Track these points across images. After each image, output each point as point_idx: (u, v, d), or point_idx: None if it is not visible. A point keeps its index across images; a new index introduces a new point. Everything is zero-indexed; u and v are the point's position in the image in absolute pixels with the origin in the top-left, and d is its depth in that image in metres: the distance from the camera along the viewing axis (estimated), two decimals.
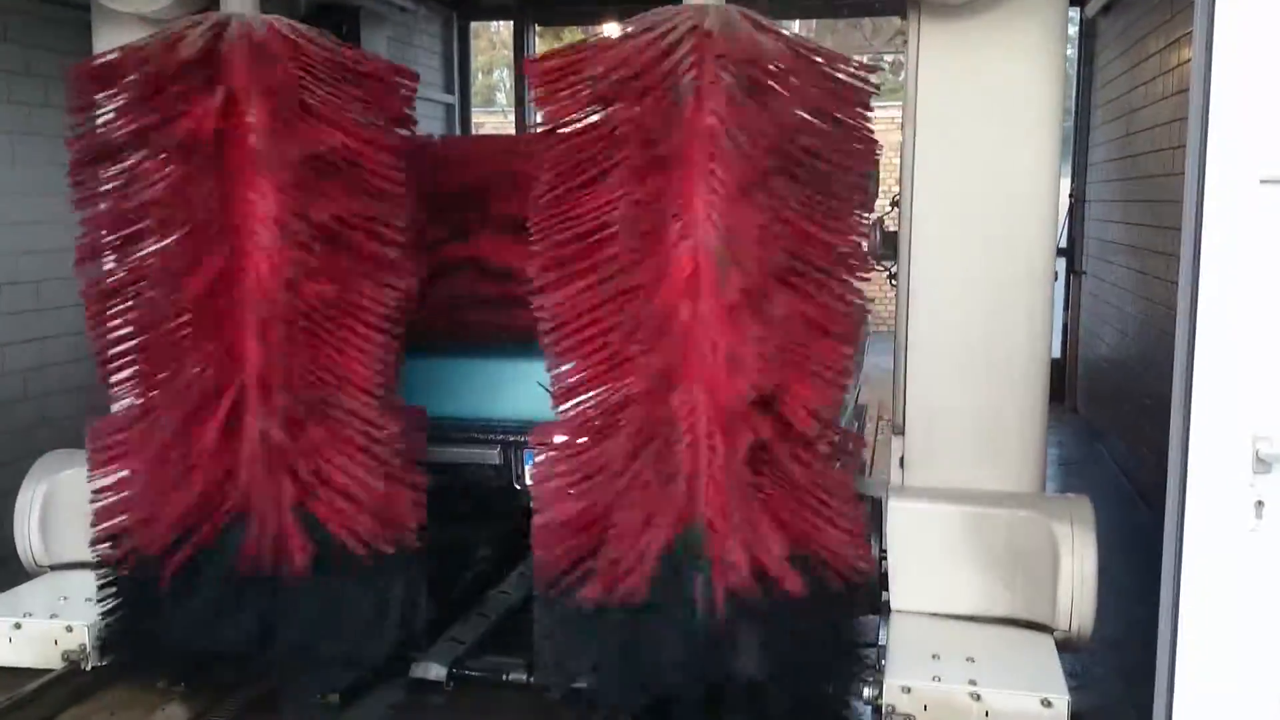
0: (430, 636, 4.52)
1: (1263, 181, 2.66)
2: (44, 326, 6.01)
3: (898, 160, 4.29)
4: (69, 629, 4.25)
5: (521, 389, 4.24)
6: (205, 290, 3.85)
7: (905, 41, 4.21)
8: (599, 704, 3.86)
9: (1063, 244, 9.44)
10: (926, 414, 4.27)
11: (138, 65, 3.84)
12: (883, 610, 4.20)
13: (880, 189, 5.37)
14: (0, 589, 4.63)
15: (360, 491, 3.98)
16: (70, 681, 4.20)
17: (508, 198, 4.69)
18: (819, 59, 3.58)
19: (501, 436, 4.75)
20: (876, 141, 3.68)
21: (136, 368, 4.02)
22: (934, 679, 3.70)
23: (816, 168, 3.53)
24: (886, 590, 4.18)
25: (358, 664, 4.18)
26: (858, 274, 3.64)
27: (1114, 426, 8.34)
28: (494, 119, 18.07)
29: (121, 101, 3.88)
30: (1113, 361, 8.45)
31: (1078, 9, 9.46)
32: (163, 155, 3.84)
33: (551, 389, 3.71)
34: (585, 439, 3.70)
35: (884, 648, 3.94)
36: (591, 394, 3.67)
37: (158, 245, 3.89)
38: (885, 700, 3.69)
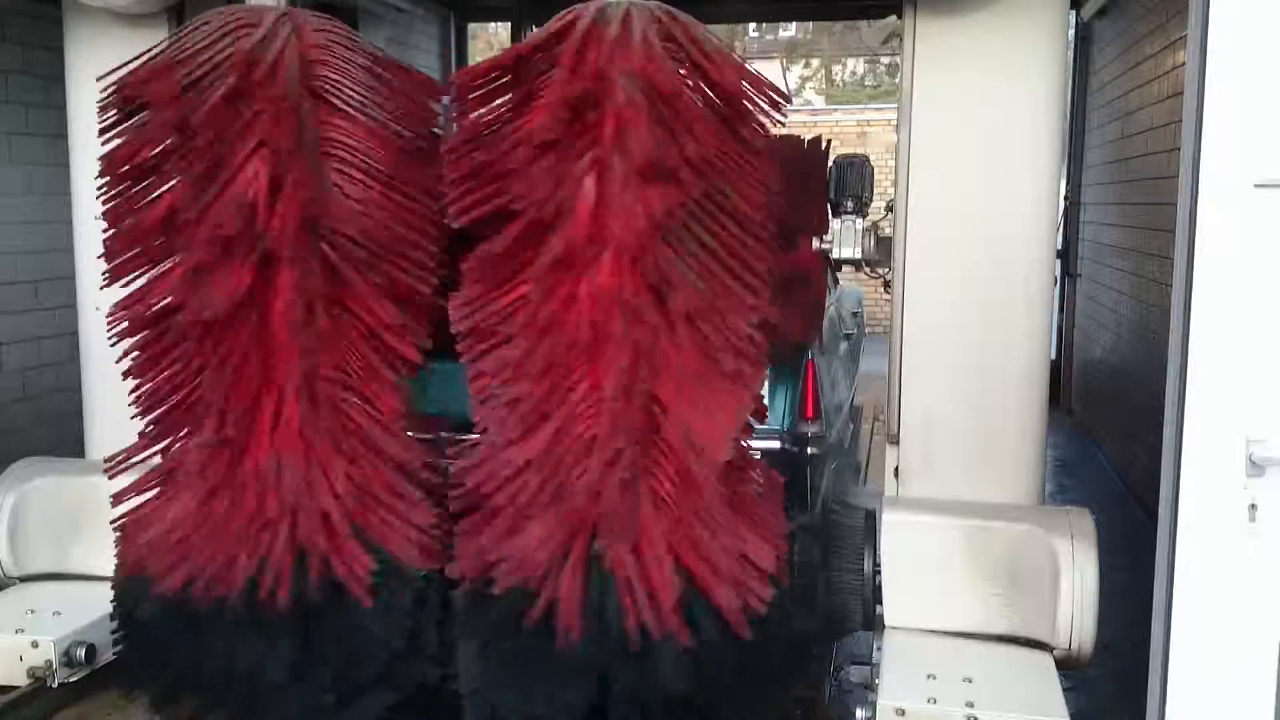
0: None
1: (1257, 186, 2.68)
2: (41, 326, 6.02)
3: (893, 162, 4.26)
4: (35, 644, 4.10)
5: None
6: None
7: (901, 42, 4.17)
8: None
9: (1058, 246, 9.45)
10: (922, 423, 4.21)
11: None
12: (876, 626, 4.12)
13: (875, 193, 5.39)
14: None
15: (399, 517, 3.83)
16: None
17: None
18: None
19: None
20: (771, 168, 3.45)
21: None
22: (929, 700, 3.61)
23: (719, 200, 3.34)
24: (880, 605, 4.10)
25: (395, 688, 3.97)
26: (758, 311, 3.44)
27: (1109, 428, 8.35)
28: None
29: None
30: (1108, 364, 8.46)
31: (1074, 12, 9.48)
32: None
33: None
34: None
35: (877, 666, 3.85)
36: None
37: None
38: None
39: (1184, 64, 2.82)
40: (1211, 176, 2.69)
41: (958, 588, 4.00)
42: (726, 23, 19.86)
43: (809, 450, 4.75)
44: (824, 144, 5.54)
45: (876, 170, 5.53)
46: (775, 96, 3.35)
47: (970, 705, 3.57)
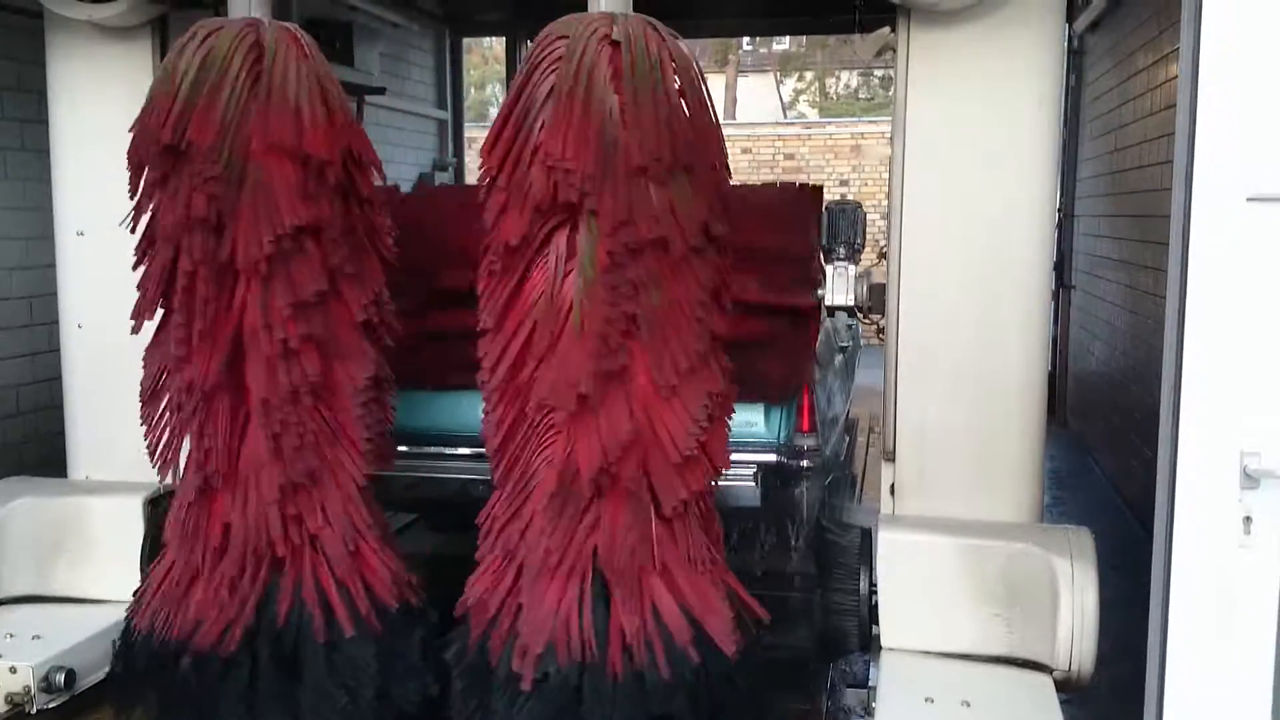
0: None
1: (1249, 199, 2.68)
2: (36, 342, 6.01)
3: (887, 174, 4.25)
4: (13, 670, 3.97)
5: None
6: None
7: (895, 55, 4.15)
8: None
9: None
10: (918, 440, 4.15)
11: None
12: (873, 647, 4.07)
13: (868, 216, 5.39)
14: None
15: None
16: None
17: None
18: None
19: None
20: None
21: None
22: None
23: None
24: (877, 625, 4.04)
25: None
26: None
27: (1103, 440, 8.36)
28: (486, 134, 18.07)
29: None
30: (1102, 375, 8.48)
31: (1067, 25, 9.51)
32: None
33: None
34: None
35: (874, 689, 3.80)
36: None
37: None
38: None
39: (1177, 76, 2.83)
40: (1204, 190, 2.69)
41: (955, 608, 3.94)
42: (721, 37, 19.96)
43: (805, 463, 4.76)
44: (817, 192, 5.53)
45: (869, 182, 5.54)
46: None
47: None
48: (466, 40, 11.22)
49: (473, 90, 25.96)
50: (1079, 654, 3.80)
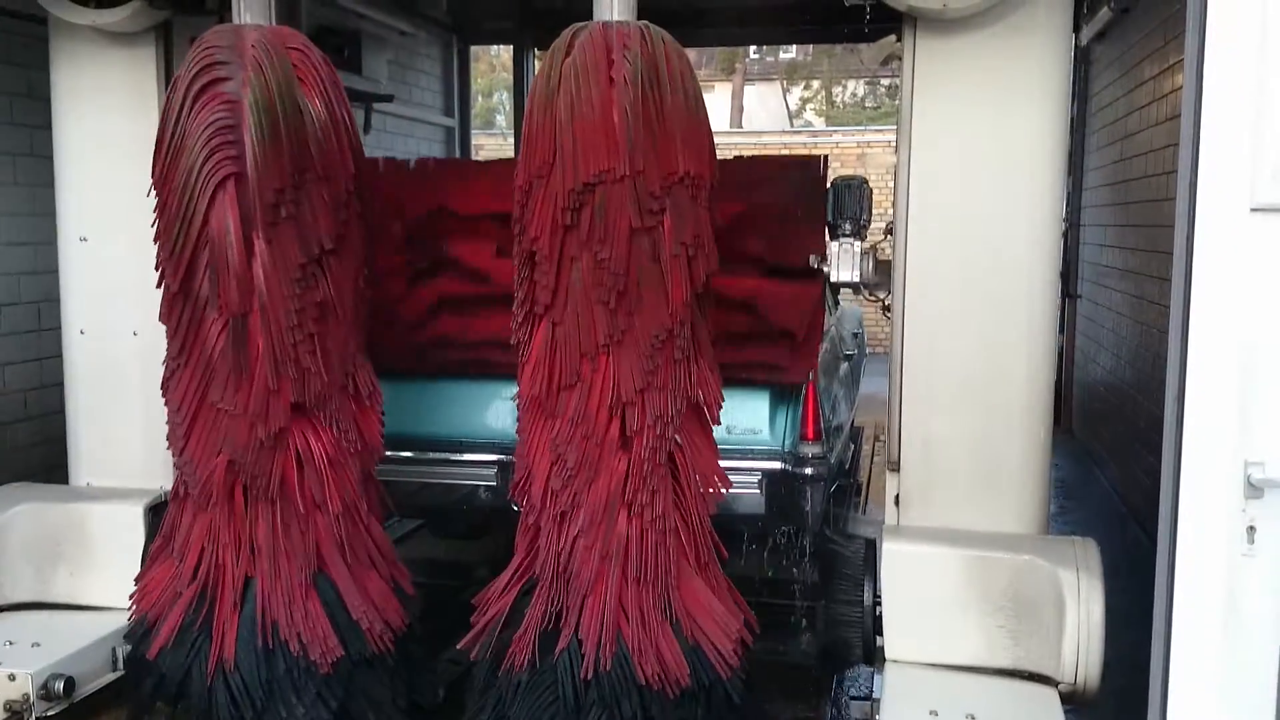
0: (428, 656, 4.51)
1: (1253, 209, 2.69)
2: (44, 347, 6.03)
3: (893, 182, 4.22)
4: (12, 677, 3.95)
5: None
6: None
7: (900, 63, 4.11)
8: None
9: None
10: (923, 450, 4.13)
11: None
12: (877, 659, 4.05)
13: (874, 215, 5.38)
14: None
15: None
16: None
17: None
18: None
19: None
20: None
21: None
22: None
23: None
24: (880, 637, 4.02)
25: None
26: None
27: (1109, 449, 8.35)
28: (493, 141, 18.15)
29: None
30: (1107, 384, 8.47)
31: (1073, 35, 9.51)
32: None
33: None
34: None
35: (878, 701, 3.77)
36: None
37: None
38: None
39: (1182, 87, 2.83)
40: (1208, 200, 2.70)
41: (960, 620, 3.91)
42: (727, 46, 19.98)
43: (809, 471, 4.76)
44: (821, 165, 5.54)
45: (875, 191, 5.53)
46: None
47: None
48: (474, 48, 11.23)
49: (480, 98, 26.01)
50: (1085, 667, 3.77)
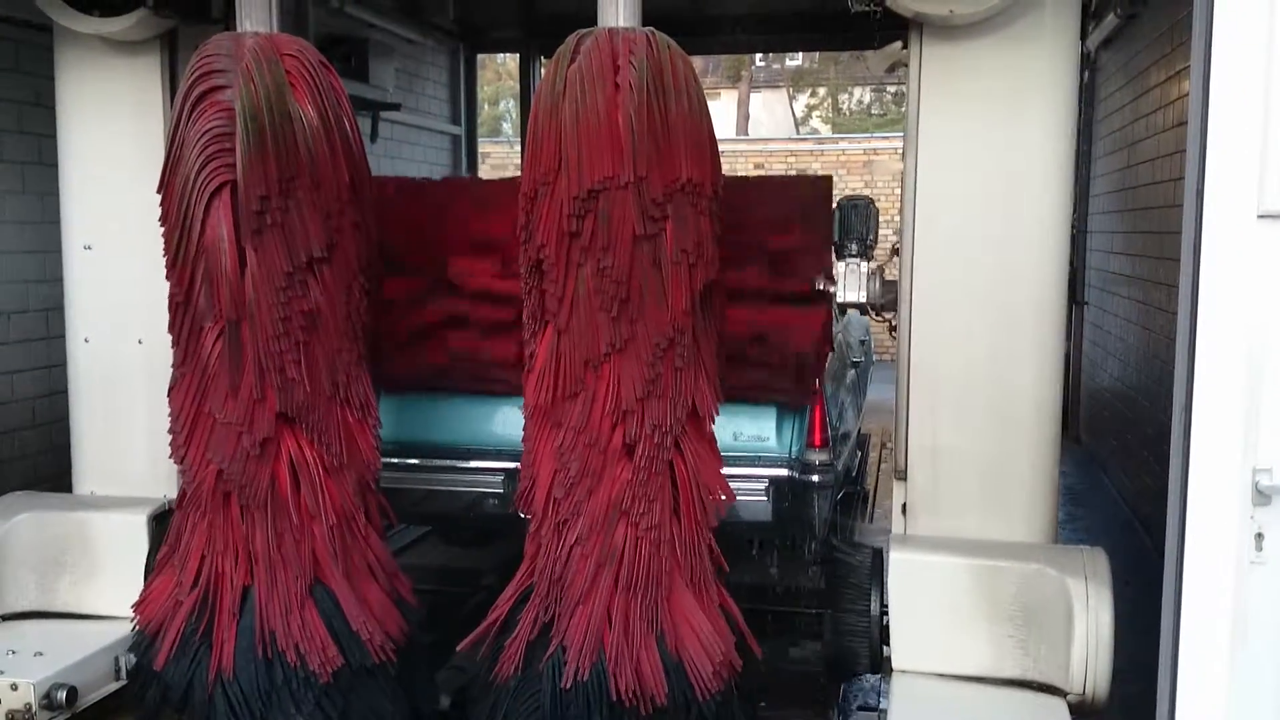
0: (435, 664, 4.52)
1: (1260, 216, 2.69)
2: (52, 355, 6.04)
3: (900, 190, 4.21)
4: (14, 686, 3.91)
5: None
6: None
7: (907, 71, 4.09)
8: None
9: None
10: (930, 458, 4.10)
11: None
12: (884, 669, 4.02)
13: (881, 224, 5.37)
14: None
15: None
16: None
17: None
18: None
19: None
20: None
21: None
22: None
23: None
24: (888, 646, 3.98)
25: None
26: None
27: (1116, 456, 8.34)
28: (500, 149, 18.19)
29: None
30: (1115, 391, 8.46)
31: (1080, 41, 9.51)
32: None
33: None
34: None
35: (885, 711, 3.74)
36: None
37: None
38: None
39: (1188, 94, 2.83)
40: (1215, 207, 2.70)
41: (968, 630, 3.88)
42: (733, 53, 20.00)
43: (816, 478, 4.76)
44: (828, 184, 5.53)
45: (882, 199, 5.53)
46: None
47: None
48: (480, 56, 11.26)
49: (486, 106, 26.08)
50: (1094, 677, 3.73)
